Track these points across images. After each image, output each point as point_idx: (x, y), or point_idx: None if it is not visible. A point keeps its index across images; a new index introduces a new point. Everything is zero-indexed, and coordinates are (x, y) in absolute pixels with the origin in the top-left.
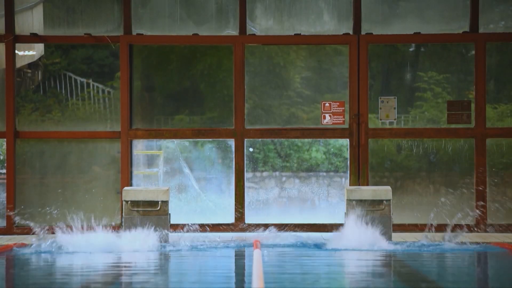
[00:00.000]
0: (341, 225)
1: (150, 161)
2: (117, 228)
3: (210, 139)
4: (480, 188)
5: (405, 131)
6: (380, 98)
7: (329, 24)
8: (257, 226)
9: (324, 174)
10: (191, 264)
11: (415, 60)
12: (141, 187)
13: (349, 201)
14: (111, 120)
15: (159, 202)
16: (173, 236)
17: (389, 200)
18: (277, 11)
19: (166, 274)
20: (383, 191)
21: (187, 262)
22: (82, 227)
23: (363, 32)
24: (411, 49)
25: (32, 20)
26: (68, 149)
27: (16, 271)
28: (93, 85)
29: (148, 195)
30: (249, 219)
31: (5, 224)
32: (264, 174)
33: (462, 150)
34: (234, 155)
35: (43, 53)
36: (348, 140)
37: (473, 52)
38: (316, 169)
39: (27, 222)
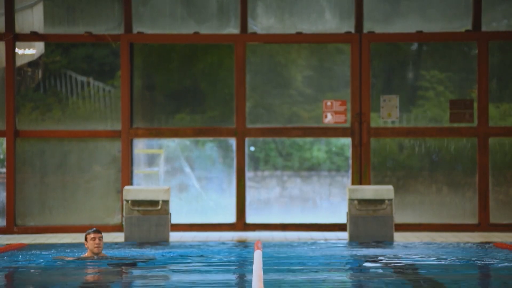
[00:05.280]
0: (343, 224)
1: (151, 160)
2: (117, 227)
3: (211, 138)
4: (483, 188)
5: (407, 130)
6: (382, 97)
7: (331, 22)
8: (258, 226)
9: (326, 173)
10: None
11: (417, 58)
12: (142, 186)
13: (351, 200)
14: (112, 119)
15: (160, 202)
16: (173, 235)
17: (391, 199)
18: (279, 9)
19: None
20: (385, 191)
21: None
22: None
23: (365, 31)
24: (413, 48)
25: (32, 19)
26: (69, 148)
27: None
28: (93, 84)
29: (148, 194)
30: (250, 218)
31: (5, 224)
32: (265, 173)
33: (464, 149)
34: (235, 154)
35: (43, 51)
36: (350, 139)
37: (476, 50)
38: (317, 168)
39: (27, 221)
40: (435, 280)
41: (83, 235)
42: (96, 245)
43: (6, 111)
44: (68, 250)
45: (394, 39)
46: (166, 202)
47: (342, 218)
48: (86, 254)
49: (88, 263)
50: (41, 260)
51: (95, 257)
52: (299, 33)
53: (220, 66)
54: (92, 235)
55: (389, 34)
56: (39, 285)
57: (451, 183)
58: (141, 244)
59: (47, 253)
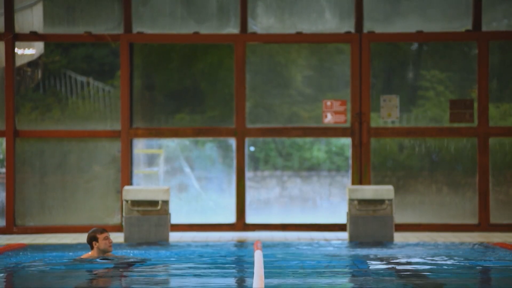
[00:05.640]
0: (343, 225)
1: (151, 160)
2: (117, 228)
3: (211, 138)
4: (483, 188)
5: (407, 130)
6: (382, 96)
7: (331, 22)
8: (258, 226)
9: (326, 173)
10: None
11: (418, 58)
12: (142, 187)
13: (351, 200)
14: (111, 119)
15: (160, 202)
16: (173, 235)
17: (391, 199)
18: (279, 9)
19: None
20: (385, 191)
21: None
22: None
23: (365, 31)
24: (413, 48)
25: (32, 19)
26: (68, 148)
27: None
28: (93, 84)
29: (148, 194)
30: (250, 219)
31: (4, 224)
32: (265, 173)
33: (464, 149)
34: (235, 154)
35: (43, 51)
36: (350, 139)
37: (476, 50)
38: (317, 168)
39: (27, 221)
40: (434, 280)
41: (83, 235)
42: (109, 244)
43: (6, 111)
44: (70, 252)
45: (394, 39)
46: (165, 202)
47: (342, 218)
48: (90, 253)
49: (94, 264)
50: (42, 261)
51: (99, 256)
52: (299, 33)
53: (220, 66)
54: (104, 235)
55: (389, 34)
56: (39, 286)
57: (451, 183)
58: (140, 244)
59: (48, 253)
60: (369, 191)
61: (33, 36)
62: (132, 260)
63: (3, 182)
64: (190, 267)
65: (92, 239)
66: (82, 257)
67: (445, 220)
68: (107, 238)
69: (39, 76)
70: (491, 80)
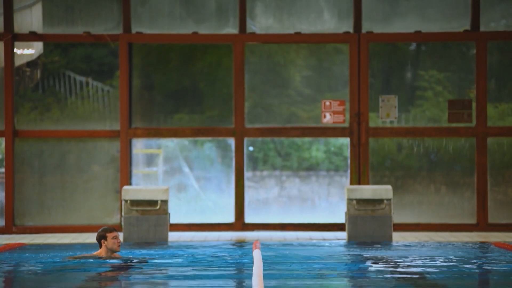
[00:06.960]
0: (342, 224)
1: (150, 160)
2: (116, 227)
3: (210, 138)
4: (481, 188)
5: (405, 130)
6: (380, 97)
7: (330, 22)
8: (256, 226)
9: (325, 173)
10: None
11: (416, 58)
12: (141, 186)
13: (349, 200)
14: (111, 119)
15: (159, 202)
16: (172, 235)
17: (390, 199)
18: (277, 9)
19: None
20: (384, 191)
21: None
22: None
23: (363, 31)
24: (411, 48)
25: (31, 19)
26: (67, 148)
27: None
28: (92, 84)
29: (147, 194)
30: (248, 218)
31: (4, 224)
32: (264, 173)
33: (463, 149)
34: (234, 154)
35: (42, 51)
36: (348, 139)
37: (474, 51)
38: (316, 168)
39: (26, 221)
40: (433, 280)
41: (82, 235)
42: (118, 244)
43: (5, 111)
44: (76, 251)
45: (392, 39)
46: (165, 202)
47: (340, 218)
48: (98, 252)
49: (98, 263)
50: (43, 261)
51: (107, 255)
52: (297, 33)
53: (219, 66)
54: (113, 234)
55: (387, 34)
56: (40, 285)
57: (449, 183)
58: (140, 244)
59: (47, 253)
60: (368, 191)
61: (32, 36)
62: (134, 260)
63: (3, 182)
64: (189, 267)
65: (101, 238)
66: (90, 255)
67: (444, 220)
68: (116, 237)
69: (38, 76)
70: (489, 80)
